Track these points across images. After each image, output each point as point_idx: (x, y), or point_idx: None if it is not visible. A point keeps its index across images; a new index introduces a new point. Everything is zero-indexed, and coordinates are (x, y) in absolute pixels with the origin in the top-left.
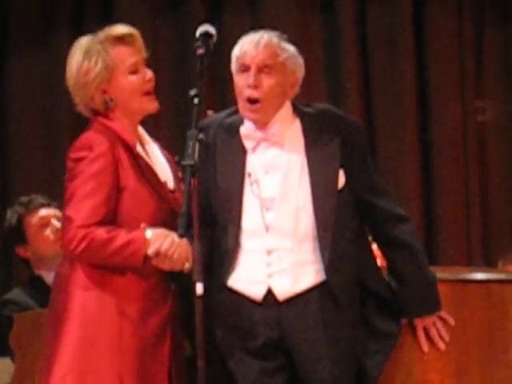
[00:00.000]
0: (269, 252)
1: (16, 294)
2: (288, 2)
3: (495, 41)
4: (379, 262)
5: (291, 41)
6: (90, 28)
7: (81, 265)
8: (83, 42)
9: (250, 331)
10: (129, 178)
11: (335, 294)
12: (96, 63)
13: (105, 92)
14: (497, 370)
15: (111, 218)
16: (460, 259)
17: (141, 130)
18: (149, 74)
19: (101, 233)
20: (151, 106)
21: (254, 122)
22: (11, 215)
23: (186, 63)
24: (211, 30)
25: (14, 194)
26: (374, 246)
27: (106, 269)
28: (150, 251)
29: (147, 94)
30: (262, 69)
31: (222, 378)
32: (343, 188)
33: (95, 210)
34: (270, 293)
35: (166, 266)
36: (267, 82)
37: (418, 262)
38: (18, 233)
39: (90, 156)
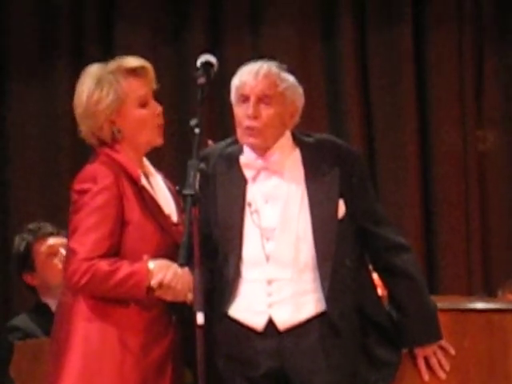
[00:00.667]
0: (269, 282)
1: (22, 320)
2: (288, 30)
3: (495, 67)
4: (380, 291)
5: (291, 69)
6: (90, 57)
7: (83, 296)
8: (94, 70)
9: (250, 361)
10: (133, 212)
11: (335, 324)
12: (108, 94)
13: (113, 123)
14: None
15: (115, 251)
16: (460, 289)
17: (145, 161)
18: (158, 108)
19: (103, 265)
20: (158, 140)
21: (253, 147)
22: (19, 242)
23: (187, 92)
24: (212, 59)
25: (14, 218)
26: (375, 276)
27: (109, 300)
28: (153, 282)
29: (157, 127)
30: (262, 99)
31: None
32: (343, 218)
33: (99, 243)
34: (270, 322)
35: (169, 296)
36: (266, 112)
37: (419, 292)
38: (26, 260)
39: (94, 189)
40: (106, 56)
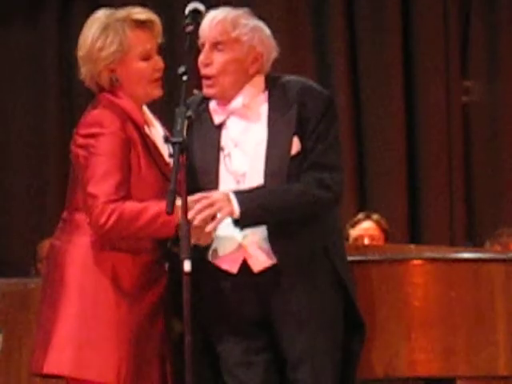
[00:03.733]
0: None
1: None
2: (277, 5)
3: (481, 19)
4: (367, 240)
5: (281, 38)
6: (76, 6)
7: (76, 239)
8: (102, 16)
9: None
10: (139, 158)
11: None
12: (112, 42)
13: (113, 71)
14: (484, 349)
15: (131, 194)
16: (444, 239)
17: (145, 109)
18: (160, 63)
19: (130, 205)
20: (156, 92)
21: (213, 98)
22: None
23: (174, 39)
24: (200, 7)
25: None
26: (365, 225)
27: (103, 246)
28: (190, 216)
29: (154, 81)
30: (215, 45)
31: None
32: (297, 154)
33: (119, 186)
34: (244, 265)
35: (194, 236)
36: (219, 58)
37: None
38: None
39: (104, 132)
40: (92, 5)
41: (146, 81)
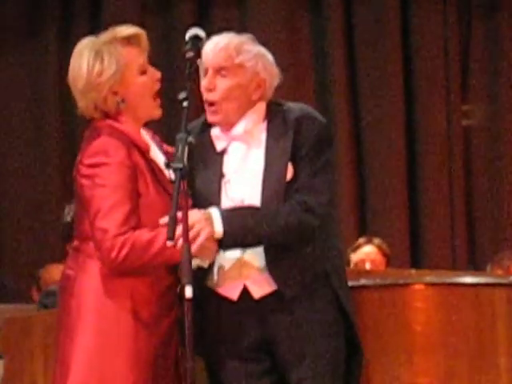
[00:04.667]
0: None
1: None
2: (275, 2)
3: (482, 42)
4: (368, 265)
5: (277, 36)
6: (77, 30)
7: (90, 269)
8: (89, 42)
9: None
10: (146, 185)
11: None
12: (110, 64)
13: (116, 93)
14: (486, 374)
15: (140, 224)
16: (445, 263)
17: (143, 133)
18: (157, 73)
19: (140, 235)
20: (157, 112)
21: (217, 124)
22: (67, 212)
23: (175, 65)
24: (201, 33)
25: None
26: (366, 249)
27: (119, 274)
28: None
29: (156, 97)
30: (219, 71)
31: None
32: (292, 180)
33: (127, 218)
34: (245, 292)
35: (207, 256)
36: (223, 84)
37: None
38: (71, 230)
39: (109, 162)
40: (93, 27)
41: (150, 95)
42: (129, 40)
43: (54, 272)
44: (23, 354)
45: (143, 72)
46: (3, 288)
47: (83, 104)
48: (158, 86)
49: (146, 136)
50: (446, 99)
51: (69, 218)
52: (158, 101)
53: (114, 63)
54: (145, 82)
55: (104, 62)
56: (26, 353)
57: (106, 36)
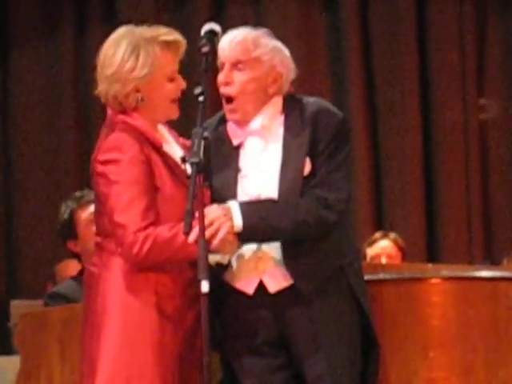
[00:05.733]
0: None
1: (66, 286)
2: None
3: (497, 37)
4: (384, 259)
5: (294, 33)
6: (94, 24)
7: (114, 266)
8: (128, 34)
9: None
10: (162, 179)
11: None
12: (143, 64)
13: (138, 91)
14: (503, 368)
15: (159, 219)
16: (461, 258)
17: (161, 128)
18: (183, 83)
19: (162, 231)
20: (175, 113)
21: (236, 122)
22: (64, 209)
23: (191, 60)
24: (216, 27)
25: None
26: (382, 243)
27: (142, 269)
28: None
29: (175, 102)
30: (236, 65)
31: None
32: (309, 175)
33: (146, 212)
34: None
35: (227, 249)
36: (240, 78)
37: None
38: (69, 227)
39: (124, 158)
40: (108, 24)
41: (168, 101)
42: (168, 45)
43: (69, 267)
44: (39, 349)
45: (172, 79)
46: (23, 284)
47: (103, 89)
48: (179, 94)
49: (163, 130)
50: (462, 93)
51: (66, 216)
52: (176, 104)
53: (148, 65)
54: (170, 89)
55: (139, 60)
56: (42, 348)
57: (147, 32)
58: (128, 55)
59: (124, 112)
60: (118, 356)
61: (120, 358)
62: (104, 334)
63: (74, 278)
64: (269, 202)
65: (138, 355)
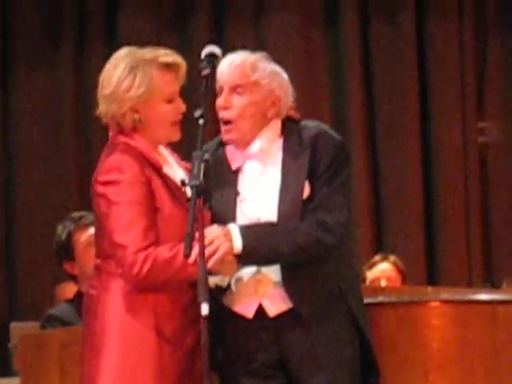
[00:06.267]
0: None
1: (61, 309)
2: (291, 18)
3: (497, 60)
4: (384, 282)
5: (293, 53)
6: (94, 44)
7: (113, 288)
8: (127, 55)
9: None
10: (162, 200)
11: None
12: (139, 84)
13: (136, 111)
14: None
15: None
16: (461, 281)
17: (162, 150)
18: (182, 106)
19: (162, 251)
20: (176, 136)
21: (232, 143)
22: (61, 230)
23: (190, 81)
24: (216, 50)
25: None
26: (382, 266)
27: (141, 291)
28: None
29: (175, 124)
30: (235, 89)
31: None
32: (308, 199)
33: (146, 233)
34: (260, 311)
35: (227, 271)
36: (239, 102)
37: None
38: (67, 249)
39: (124, 179)
40: (109, 43)
41: (168, 123)
42: (167, 66)
43: (67, 290)
44: (39, 371)
45: (170, 101)
46: (22, 306)
47: (103, 109)
48: (179, 117)
49: (164, 152)
50: (461, 116)
51: (63, 237)
52: (178, 126)
53: (144, 85)
54: (167, 111)
55: (135, 80)
56: (42, 370)
57: (147, 54)
58: (125, 75)
59: (124, 133)
60: (117, 379)
61: (119, 381)
62: (103, 356)
63: (69, 301)
64: (268, 225)
65: (137, 378)
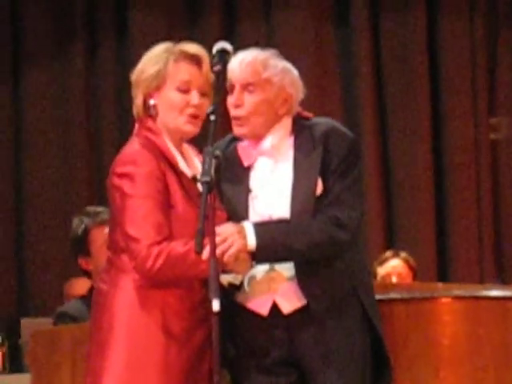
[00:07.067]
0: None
1: (72, 306)
2: (302, 15)
3: (508, 55)
4: (395, 279)
5: (305, 51)
6: (104, 42)
7: (122, 283)
8: (159, 47)
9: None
10: (176, 197)
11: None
12: (153, 68)
13: (151, 96)
14: None
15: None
16: (472, 277)
17: (186, 147)
18: (194, 99)
19: (176, 246)
20: (187, 127)
21: (243, 137)
22: (78, 225)
23: None
24: (228, 46)
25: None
26: (393, 263)
27: (151, 287)
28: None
29: (182, 113)
30: (246, 87)
31: None
32: (321, 195)
33: (160, 227)
34: (275, 308)
35: (241, 268)
36: (250, 100)
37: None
38: (82, 244)
39: (139, 172)
40: (120, 42)
41: (176, 110)
42: (186, 56)
43: (76, 286)
44: (50, 367)
45: (182, 90)
46: (33, 302)
47: (133, 98)
48: (190, 110)
49: (189, 151)
50: (473, 112)
51: (80, 232)
52: (190, 118)
53: (157, 68)
54: (177, 98)
55: (150, 64)
56: (53, 366)
57: (175, 46)
58: (146, 60)
59: (147, 126)
60: (122, 375)
61: (124, 378)
62: (109, 352)
63: (82, 298)
64: (282, 222)
65: (142, 375)
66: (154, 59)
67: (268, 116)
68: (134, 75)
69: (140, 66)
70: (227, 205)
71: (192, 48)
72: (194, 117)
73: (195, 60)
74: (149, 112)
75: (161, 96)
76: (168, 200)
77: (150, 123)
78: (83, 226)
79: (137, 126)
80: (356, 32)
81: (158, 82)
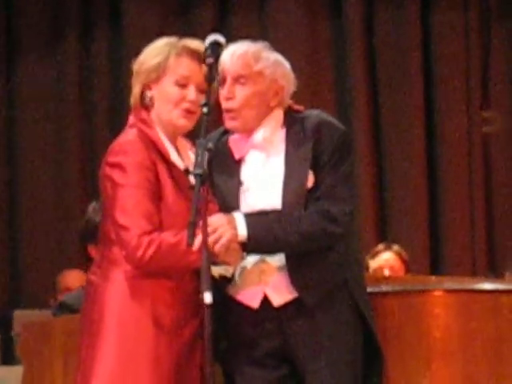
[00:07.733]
0: (262, 260)
1: (73, 297)
2: (295, 7)
3: (502, 49)
4: (387, 272)
5: (298, 43)
6: (98, 33)
7: (113, 275)
8: (165, 39)
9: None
10: (167, 189)
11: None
12: (153, 60)
13: (149, 88)
14: (505, 380)
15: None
16: (464, 271)
17: (181, 140)
18: (191, 95)
19: (167, 236)
20: (180, 121)
21: (234, 131)
22: (94, 213)
23: None
24: (220, 39)
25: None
26: (385, 256)
27: (142, 279)
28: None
29: (178, 106)
30: (237, 79)
31: None
32: (313, 187)
33: (150, 217)
34: (265, 300)
35: (232, 259)
36: (242, 92)
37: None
38: (95, 233)
39: (130, 162)
40: (113, 33)
41: (171, 104)
42: (187, 51)
43: (69, 278)
44: (42, 359)
45: (180, 84)
46: (25, 294)
47: (134, 91)
48: (186, 105)
49: (184, 144)
50: (466, 106)
51: (97, 220)
52: (183, 113)
53: (157, 60)
54: (173, 92)
55: (151, 56)
56: (45, 358)
57: (179, 40)
58: (148, 52)
59: (141, 118)
60: (112, 367)
61: (115, 370)
62: (100, 344)
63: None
64: (273, 213)
65: (132, 367)
66: (155, 51)
67: (260, 109)
68: (135, 65)
69: (141, 56)
70: (219, 198)
71: (195, 44)
72: (189, 112)
73: (197, 56)
74: (145, 102)
75: (158, 88)
76: (159, 191)
77: (143, 114)
78: (100, 215)
79: (131, 116)
80: (349, 24)
81: (157, 74)
